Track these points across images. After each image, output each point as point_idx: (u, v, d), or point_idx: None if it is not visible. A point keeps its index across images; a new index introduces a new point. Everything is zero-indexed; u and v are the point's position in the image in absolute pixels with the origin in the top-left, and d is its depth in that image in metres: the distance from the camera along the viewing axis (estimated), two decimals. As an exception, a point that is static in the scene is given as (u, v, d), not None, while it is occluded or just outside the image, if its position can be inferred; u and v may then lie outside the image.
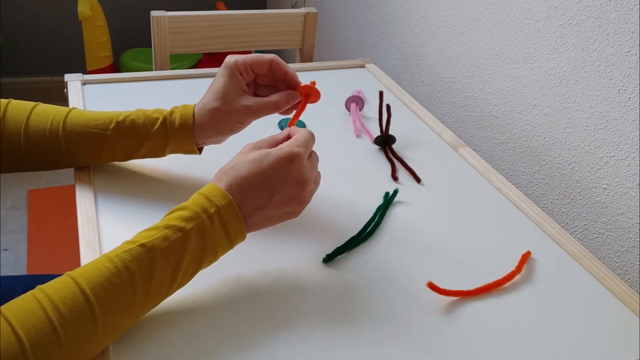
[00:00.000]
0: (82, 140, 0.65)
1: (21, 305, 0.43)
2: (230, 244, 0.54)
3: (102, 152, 0.66)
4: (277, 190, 0.54)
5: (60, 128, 0.64)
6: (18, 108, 0.65)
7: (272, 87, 0.67)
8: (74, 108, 0.67)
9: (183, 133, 0.65)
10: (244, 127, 0.66)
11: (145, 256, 0.48)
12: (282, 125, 0.86)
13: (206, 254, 0.52)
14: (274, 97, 0.64)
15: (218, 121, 0.64)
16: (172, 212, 0.52)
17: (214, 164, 0.74)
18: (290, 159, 0.54)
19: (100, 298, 0.45)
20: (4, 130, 0.64)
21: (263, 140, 0.59)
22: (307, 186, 0.56)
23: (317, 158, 0.59)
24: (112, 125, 0.64)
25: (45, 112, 0.65)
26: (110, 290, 0.46)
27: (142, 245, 0.48)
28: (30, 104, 0.66)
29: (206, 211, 0.51)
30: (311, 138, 0.58)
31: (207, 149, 0.71)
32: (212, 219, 0.51)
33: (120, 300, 0.46)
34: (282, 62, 0.64)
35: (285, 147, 0.55)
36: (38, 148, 0.65)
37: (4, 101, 0.66)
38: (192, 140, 0.65)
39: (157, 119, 0.65)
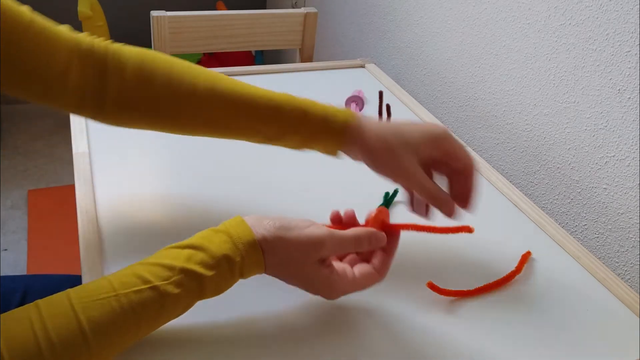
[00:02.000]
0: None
1: (16, 331, 0.41)
2: (241, 277, 0.51)
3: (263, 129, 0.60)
4: (300, 286, 0.52)
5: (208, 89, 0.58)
6: (156, 62, 0.59)
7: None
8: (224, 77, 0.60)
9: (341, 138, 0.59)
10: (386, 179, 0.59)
11: (155, 301, 0.45)
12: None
13: (215, 295, 0.49)
14: (444, 195, 0.56)
15: (384, 153, 0.57)
16: (193, 247, 0.48)
17: (214, 164, 0.74)
18: (330, 292, 0.53)
19: (100, 338, 0.43)
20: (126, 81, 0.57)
21: (334, 247, 0.51)
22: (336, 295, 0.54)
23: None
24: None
25: (184, 70, 0.59)
26: (111, 331, 0.43)
27: (154, 288, 0.45)
28: (170, 59, 0.60)
29: (231, 259, 0.47)
30: (376, 282, 0.54)
31: (214, 153, 0.70)
32: (232, 269, 0.48)
33: (119, 340, 0.44)
34: (475, 172, 0.57)
35: (338, 281, 0.51)
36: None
37: (142, 52, 0.60)
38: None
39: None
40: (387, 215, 0.56)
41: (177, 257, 0.47)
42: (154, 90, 0.58)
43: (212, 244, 0.48)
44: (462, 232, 0.57)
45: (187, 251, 0.47)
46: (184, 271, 0.46)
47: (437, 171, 0.60)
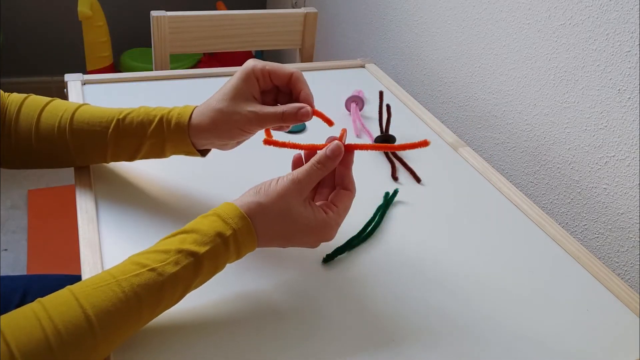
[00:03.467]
0: (87, 139, 0.64)
1: (21, 323, 0.42)
2: (237, 257, 0.53)
3: (107, 150, 0.65)
4: (297, 242, 0.55)
5: (67, 126, 0.63)
6: (33, 104, 0.65)
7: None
8: (83, 104, 0.66)
9: (177, 133, 0.62)
10: (246, 137, 0.62)
11: (154, 282, 0.46)
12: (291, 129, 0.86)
13: (215, 273, 0.51)
14: (281, 107, 0.58)
15: (218, 124, 0.60)
16: (185, 232, 0.50)
17: (213, 162, 0.74)
18: (328, 231, 0.55)
19: (105, 324, 0.44)
20: (19, 125, 0.64)
21: (306, 181, 0.54)
22: (326, 241, 0.57)
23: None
24: (113, 124, 0.63)
25: (56, 109, 0.65)
26: (115, 316, 0.44)
27: (152, 269, 0.47)
28: (46, 99, 0.65)
29: (222, 233, 0.50)
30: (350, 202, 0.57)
31: (212, 150, 0.70)
32: (226, 243, 0.50)
33: (124, 324, 0.45)
34: (303, 79, 0.60)
35: (329, 218, 0.54)
36: (48, 146, 0.64)
37: (21, 96, 0.65)
38: (188, 141, 0.61)
39: (155, 116, 0.62)
40: (343, 136, 0.58)
41: (171, 242, 0.49)
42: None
43: (203, 225, 0.50)
44: (419, 147, 0.57)
45: (179, 236, 0.50)
46: (180, 251, 0.48)
47: (280, 102, 0.62)
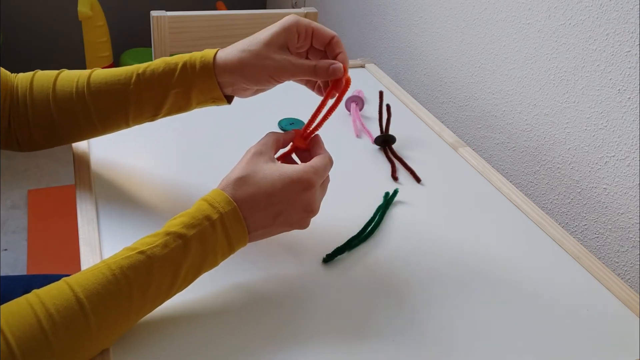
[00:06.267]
0: (108, 98, 0.62)
1: (14, 310, 0.43)
2: (230, 249, 0.53)
3: (129, 109, 0.63)
4: (283, 213, 0.53)
5: (85, 89, 0.62)
6: (44, 77, 0.64)
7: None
8: (96, 68, 0.65)
9: (203, 76, 0.60)
10: (272, 85, 0.61)
11: (143, 264, 0.47)
12: (282, 125, 0.86)
13: (206, 260, 0.51)
14: (314, 62, 0.59)
15: (246, 65, 0.59)
16: (174, 218, 0.51)
17: (213, 162, 0.74)
18: (305, 187, 0.53)
19: (96, 306, 0.44)
20: (34, 100, 0.63)
21: (266, 142, 0.56)
22: (313, 214, 0.56)
23: (329, 181, 0.59)
24: (133, 79, 0.61)
25: (69, 77, 0.64)
26: (106, 297, 0.45)
27: (141, 252, 0.48)
28: (55, 72, 0.65)
29: (209, 218, 0.50)
30: (330, 165, 0.57)
31: (210, 151, 0.71)
32: (214, 226, 0.50)
33: (116, 307, 0.46)
34: (342, 44, 0.61)
35: (303, 173, 0.53)
36: (68, 113, 0.63)
37: (29, 73, 0.65)
38: (215, 83, 0.60)
39: (177, 64, 0.61)
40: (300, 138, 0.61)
41: (160, 229, 0.50)
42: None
43: (191, 210, 0.52)
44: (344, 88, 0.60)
45: (169, 222, 0.51)
46: (168, 234, 0.49)
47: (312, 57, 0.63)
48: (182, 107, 0.63)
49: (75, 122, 0.64)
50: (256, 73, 0.59)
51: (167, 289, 0.49)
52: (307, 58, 0.62)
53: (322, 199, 0.57)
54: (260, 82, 0.60)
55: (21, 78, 0.65)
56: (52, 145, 0.66)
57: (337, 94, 0.60)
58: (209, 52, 0.61)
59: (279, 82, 0.61)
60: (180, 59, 0.61)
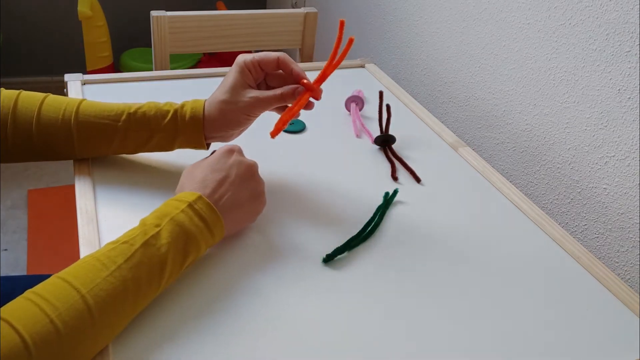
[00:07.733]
0: (94, 131, 0.66)
1: (15, 306, 0.44)
2: (210, 233, 0.56)
3: (112, 143, 0.67)
4: (228, 171, 0.60)
5: (72, 118, 0.65)
6: (29, 99, 0.66)
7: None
8: (84, 99, 0.68)
9: (193, 126, 0.66)
10: (251, 121, 0.68)
11: (128, 249, 0.51)
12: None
13: (189, 244, 0.54)
14: (278, 90, 0.66)
15: (226, 114, 0.66)
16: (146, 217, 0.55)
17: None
18: (227, 151, 0.62)
19: (91, 290, 0.47)
20: (17, 119, 0.65)
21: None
22: (252, 167, 0.62)
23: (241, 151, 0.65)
24: (123, 117, 0.66)
25: (56, 103, 0.67)
26: (100, 282, 0.47)
27: (125, 242, 0.51)
28: (41, 94, 0.67)
29: (177, 207, 0.55)
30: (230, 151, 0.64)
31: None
32: (185, 212, 0.55)
33: (112, 291, 0.48)
34: (289, 59, 0.67)
35: (222, 147, 0.63)
36: (50, 138, 0.66)
37: (14, 92, 0.67)
38: (202, 134, 0.67)
39: (169, 111, 0.67)
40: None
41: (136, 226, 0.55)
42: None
43: (161, 206, 0.57)
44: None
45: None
46: (144, 224, 0.54)
47: (272, 85, 0.69)
48: (163, 147, 0.69)
49: (55, 146, 0.67)
50: (234, 117, 0.66)
51: (158, 273, 0.52)
52: (269, 87, 0.69)
53: (245, 159, 0.63)
54: (241, 123, 0.67)
55: (6, 95, 0.66)
56: (28, 160, 0.69)
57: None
58: (198, 105, 0.67)
59: (254, 117, 0.68)
60: (171, 106, 0.67)
